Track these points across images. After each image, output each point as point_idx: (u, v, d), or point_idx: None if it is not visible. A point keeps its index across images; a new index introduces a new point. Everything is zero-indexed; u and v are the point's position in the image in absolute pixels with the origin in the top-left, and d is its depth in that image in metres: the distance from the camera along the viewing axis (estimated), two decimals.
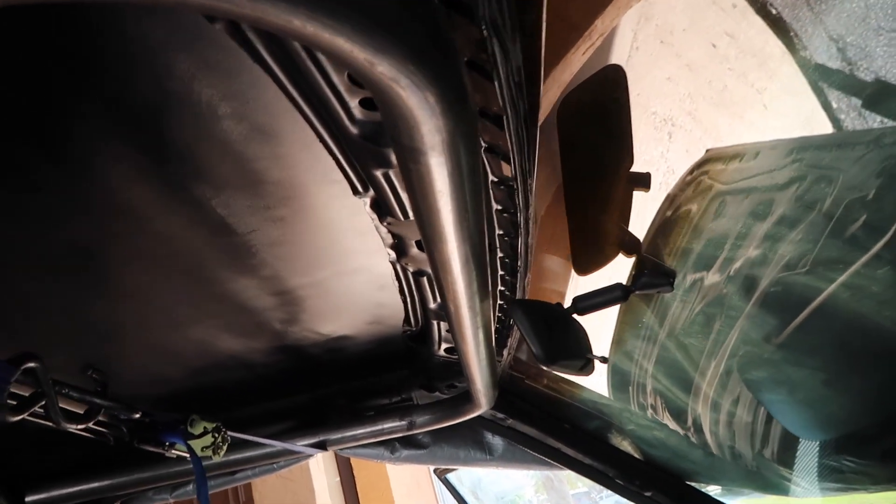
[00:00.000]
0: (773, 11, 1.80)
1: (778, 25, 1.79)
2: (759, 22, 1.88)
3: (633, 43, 2.42)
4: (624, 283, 0.91)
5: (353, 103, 0.61)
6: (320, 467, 4.48)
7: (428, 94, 0.38)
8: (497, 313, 1.15)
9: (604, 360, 0.96)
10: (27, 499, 1.54)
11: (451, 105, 0.40)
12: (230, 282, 1.06)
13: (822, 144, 1.44)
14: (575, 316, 0.93)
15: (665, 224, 1.64)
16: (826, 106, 1.65)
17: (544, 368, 1.63)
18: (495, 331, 1.18)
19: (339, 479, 4.97)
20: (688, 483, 1.53)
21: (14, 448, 1.43)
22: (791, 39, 1.77)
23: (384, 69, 0.35)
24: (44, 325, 1.00)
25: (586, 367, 0.97)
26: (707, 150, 1.78)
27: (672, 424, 1.58)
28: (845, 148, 1.39)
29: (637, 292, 0.95)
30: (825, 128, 1.66)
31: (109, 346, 1.13)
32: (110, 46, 0.59)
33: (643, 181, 1.07)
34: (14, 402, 0.76)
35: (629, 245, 1.14)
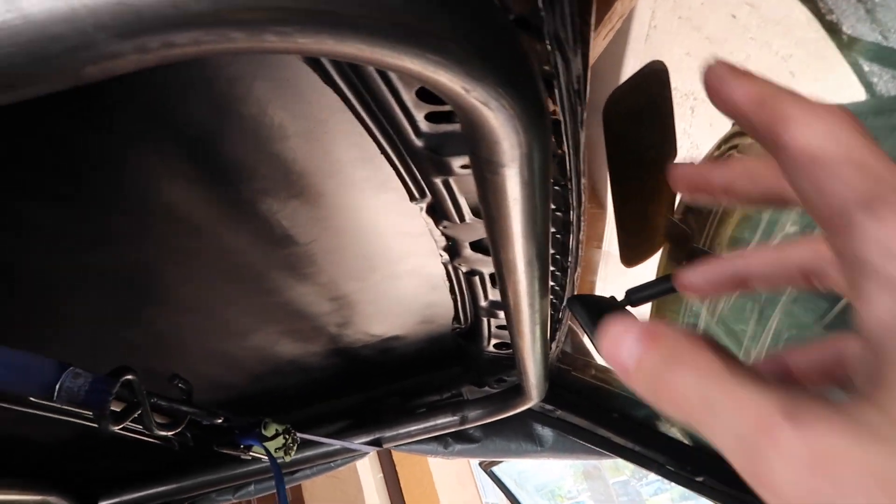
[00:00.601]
0: None
1: None
2: None
3: (651, 21, 2.40)
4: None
5: (420, 117, 0.64)
6: (366, 464, 4.55)
7: (513, 114, 0.41)
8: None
9: None
10: None
11: (532, 121, 0.43)
12: (290, 290, 1.11)
13: (855, 112, 1.42)
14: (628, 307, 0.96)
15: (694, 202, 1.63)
16: (858, 70, 1.61)
17: (591, 360, 1.66)
18: None
19: (381, 474, 5.04)
20: None
21: (87, 456, 1.50)
22: (816, 4, 1.73)
23: (478, 95, 0.38)
24: (123, 339, 1.05)
25: None
26: (734, 124, 1.75)
27: None
28: (881, 115, 1.37)
29: None
30: (858, 93, 1.62)
31: (180, 356, 1.18)
32: (190, 79, 0.63)
33: None
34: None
35: (678, 237, 1.16)
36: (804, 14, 1.80)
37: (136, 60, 0.30)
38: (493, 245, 0.66)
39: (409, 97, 0.61)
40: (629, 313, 0.30)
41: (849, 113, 0.28)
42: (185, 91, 0.64)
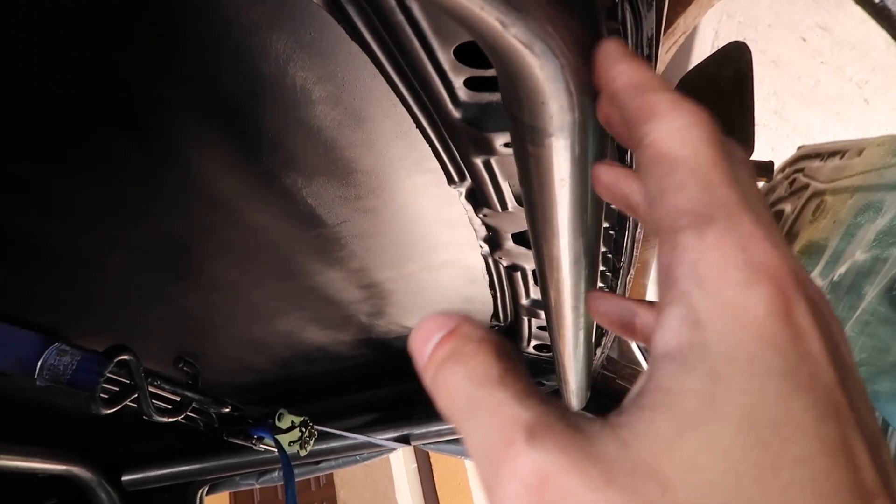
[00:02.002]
0: (876, 0, 1.63)
1: (881, 14, 1.61)
2: (858, 12, 1.71)
3: (714, 41, 2.28)
4: None
5: (458, 83, 0.55)
6: (398, 454, 4.52)
7: (566, 65, 0.32)
8: None
9: None
10: (123, 478, 1.59)
11: (590, 78, 0.34)
12: (318, 274, 1.04)
13: None
14: None
15: None
16: None
17: (639, 369, 1.54)
18: None
19: (416, 465, 5.01)
20: None
21: (113, 433, 1.47)
22: None
23: (518, 31, 0.29)
24: (137, 316, 1.00)
25: None
26: (799, 147, 1.63)
27: None
28: None
29: None
30: None
31: (198, 337, 1.13)
32: (202, 27, 0.55)
33: (766, 169, 0.96)
34: (107, 395, 0.76)
35: None
36: (883, 38, 1.66)
37: None
38: (534, 237, 0.56)
39: (445, 57, 0.52)
40: (457, 313, 0.27)
41: (708, 117, 0.25)
42: (199, 43, 0.57)
